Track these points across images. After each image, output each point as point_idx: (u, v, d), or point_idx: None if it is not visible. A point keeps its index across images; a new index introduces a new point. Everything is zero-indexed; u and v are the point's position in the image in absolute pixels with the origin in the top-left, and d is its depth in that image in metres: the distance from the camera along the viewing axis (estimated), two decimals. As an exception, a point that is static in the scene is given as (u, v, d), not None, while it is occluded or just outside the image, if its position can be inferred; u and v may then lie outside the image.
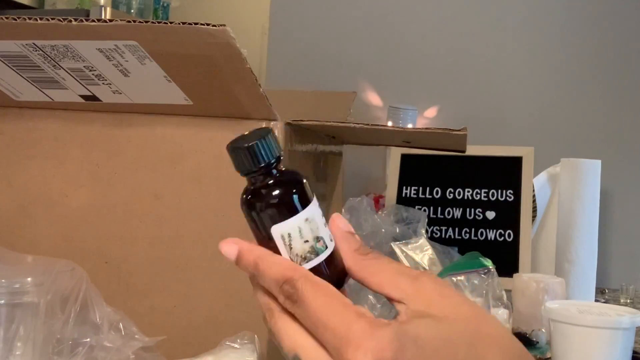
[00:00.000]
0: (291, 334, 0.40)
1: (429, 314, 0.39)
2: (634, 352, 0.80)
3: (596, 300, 1.31)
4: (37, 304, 0.53)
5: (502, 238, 1.31)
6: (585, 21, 1.91)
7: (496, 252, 1.22)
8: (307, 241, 0.42)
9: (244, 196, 0.44)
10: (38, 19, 0.57)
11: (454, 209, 1.35)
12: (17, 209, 0.69)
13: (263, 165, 0.42)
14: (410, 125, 1.89)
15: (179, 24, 0.56)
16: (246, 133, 0.43)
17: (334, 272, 0.43)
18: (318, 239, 0.42)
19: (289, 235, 0.42)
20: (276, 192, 0.42)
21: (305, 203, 0.42)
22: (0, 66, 0.63)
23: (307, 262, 0.42)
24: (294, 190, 0.42)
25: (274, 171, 0.43)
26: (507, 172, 1.34)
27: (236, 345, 0.59)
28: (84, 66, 0.61)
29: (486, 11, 1.99)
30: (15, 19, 0.57)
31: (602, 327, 0.76)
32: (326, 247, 0.42)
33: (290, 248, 0.42)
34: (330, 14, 2.10)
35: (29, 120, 0.69)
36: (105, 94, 0.65)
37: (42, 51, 0.60)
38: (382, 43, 2.08)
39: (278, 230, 0.42)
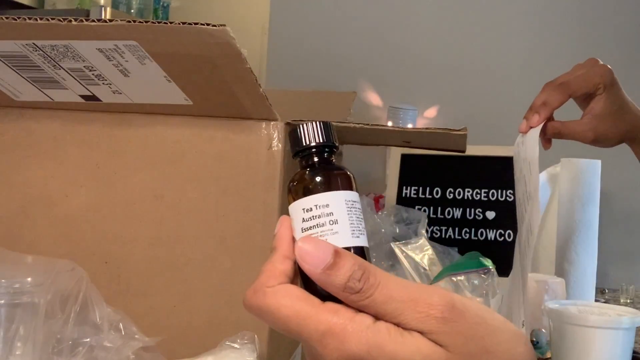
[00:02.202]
0: None
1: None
2: (634, 352, 0.80)
3: (596, 300, 1.31)
4: (37, 304, 0.53)
5: (502, 238, 1.31)
6: (585, 21, 1.91)
7: (496, 252, 1.22)
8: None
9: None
10: (38, 19, 0.57)
11: (454, 209, 1.35)
12: (17, 209, 0.69)
13: (314, 145, 0.44)
14: (410, 125, 1.90)
15: (179, 24, 0.56)
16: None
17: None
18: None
19: (291, 217, 0.43)
20: (306, 173, 0.44)
21: (323, 191, 0.43)
22: (0, 66, 0.63)
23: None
24: (316, 176, 0.43)
25: (322, 155, 0.44)
26: (507, 172, 1.33)
27: (236, 345, 0.59)
28: (84, 66, 0.61)
29: (486, 12, 1.99)
30: (15, 19, 0.57)
31: (602, 327, 0.76)
32: None
33: (294, 230, 0.43)
34: (330, 14, 2.10)
35: (29, 120, 0.69)
36: (105, 94, 0.65)
37: (42, 51, 0.60)
38: (382, 43, 2.08)
39: (289, 210, 0.44)
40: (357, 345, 0.39)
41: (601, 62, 0.94)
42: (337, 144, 0.45)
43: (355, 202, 0.43)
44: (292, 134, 0.45)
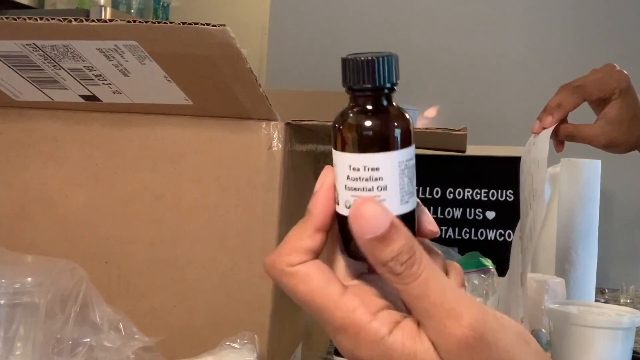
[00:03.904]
0: None
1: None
2: (634, 352, 0.80)
3: (596, 300, 1.31)
4: (37, 304, 0.53)
5: (502, 238, 1.31)
6: (584, 21, 1.91)
7: (496, 252, 1.22)
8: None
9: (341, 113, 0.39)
10: (38, 19, 0.57)
11: (454, 209, 1.35)
12: (17, 209, 0.69)
13: (370, 86, 0.38)
14: (410, 125, 1.89)
15: (179, 24, 0.56)
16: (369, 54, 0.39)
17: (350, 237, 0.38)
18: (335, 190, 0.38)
19: (334, 162, 0.39)
20: (358, 119, 0.38)
21: (375, 150, 0.37)
22: (0, 66, 0.63)
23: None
24: (369, 130, 0.37)
25: (381, 99, 0.38)
26: (507, 172, 1.34)
27: (236, 345, 0.59)
28: (84, 66, 0.61)
29: (486, 11, 1.99)
30: (15, 19, 0.57)
31: (602, 327, 0.76)
32: (338, 204, 0.39)
33: (336, 178, 0.39)
34: (330, 14, 2.10)
35: (29, 120, 0.69)
36: (105, 94, 0.65)
37: (42, 51, 0.60)
38: (382, 43, 2.08)
39: (333, 154, 0.39)
40: (367, 353, 0.36)
41: (618, 68, 0.94)
42: (398, 82, 0.39)
43: (409, 160, 0.38)
44: (348, 64, 0.38)
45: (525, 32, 1.95)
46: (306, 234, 0.39)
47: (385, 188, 0.37)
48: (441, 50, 2.00)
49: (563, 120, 0.92)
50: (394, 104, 0.39)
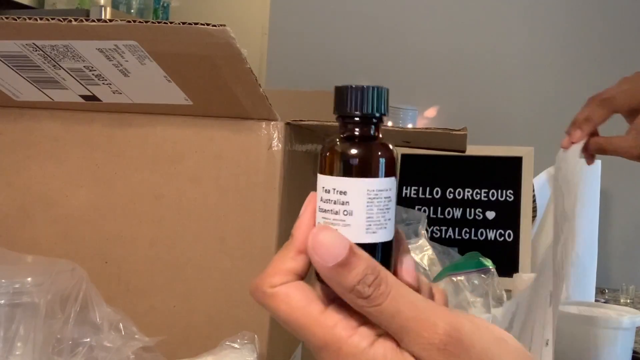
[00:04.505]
0: None
1: None
2: (634, 352, 0.80)
3: (596, 300, 1.31)
4: (37, 304, 0.53)
5: (502, 238, 1.31)
6: (585, 21, 1.91)
7: (496, 252, 1.22)
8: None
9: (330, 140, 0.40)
10: (38, 19, 0.57)
11: (454, 209, 1.35)
12: (17, 209, 0.69)
13: (359, 114, 0.39)
14: (410, 125, 1.90)
15: (179, 24, 0.56)
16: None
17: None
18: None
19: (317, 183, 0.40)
20: (338, 144, 0.39)
21: (345, 174, 0.38)
22: (0, 66, 0.63)
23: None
24: (344, 153, 0.38)
25: (365, 127, 0.39)
26: (507, 172, 1.34)
27: (236, 345, 0.59)
28: (84, 66, 0.61)
29: (486, 11, 1.99)
30: (15, 19, 0.57)
31: (602, 327, 0.77)
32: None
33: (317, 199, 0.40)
34: (330, 14, 2.10)
35: (29, 120, 0.69)
36: (105, 94, 0.65)
37: (42, 51, 0.60)
38: (382, 43, 2.08)
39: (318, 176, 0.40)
40: None
41: None
42: (383, 114, 0.40)
43: (382, 190, 0.38)
44: (342, 92, 0.40)
45: (525, 32, 1.95)
46: (289, 256, 0.39)
47: (351, 213, 0.38)
48: (441, 50, 2.00)
49: (593, 133, 0.89)
50: (380, 135, 0.40)
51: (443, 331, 0.35)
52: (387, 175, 0.39)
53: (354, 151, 0.39)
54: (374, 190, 0.38)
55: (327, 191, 0.38)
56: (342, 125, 0.40)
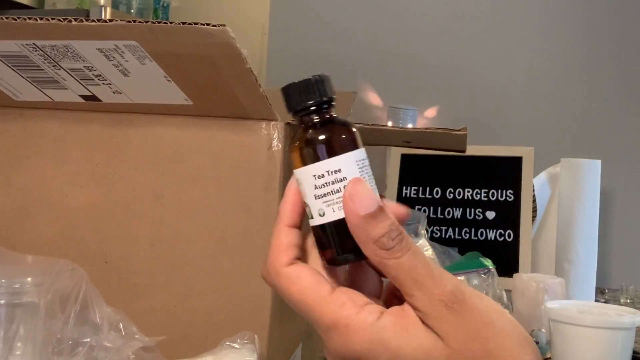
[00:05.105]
0: None
1: (431, 339, 0.39)
2: (634, 352, 0.80)
3: (596, 300, 1.31)
4: (37, 304, 0.53)
5: (502, 238, 1.31)
6: (585, 21, 1.91)
7: (496, 252, 1.22)
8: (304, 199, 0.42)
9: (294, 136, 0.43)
10: (38, 19, 0.57)
11: (454, 209, 1.35)
12: (17, 209, 0.69)
13: (312, 102, 0.42)
14: (410, 125, 1.90)
15: (179, 24, 0.56)
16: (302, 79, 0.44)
17: (344, 239, 0.41)
18: (306, 204, 0.42)
19: (299, 181, 0.42)
20: (309, 134, 0.42)
21: (302, 164, 0.42)
22: (0, 66, 0.63)
23: (318, 217, 0.42)
24: (322, 139, 0.42)
25: (323, 112, 0.43)
26: (507, 172, 1.34)
27: (236, 345, 0.59)
28: (84, 66, 0.61)
29: (486, 12, 1.99)
30: (15, 19, 0.57)
31: (602, 327, 0.76)
32: (312, 217, 0.42)
33: (305, 195, 0.42)
34: (330, 14, 2.10)
35: (29, 120, 0.69)
36: (105, 94, 0.65)
37: (42, 51, 0.60)
38: (382, 43, 2.08)
39: (296, 174, 0.43)
40: (359, 343, 0.39)
41: None
42: (334, 97, 0.43)
43: (364, 159, 0.42)
44: (287, 91, 0.43)
45: (525, 32, 1.95)
46: (283, 233, 0.43)
47: (306, 197, 0.42)
48: (441, 51, 2.00)
49: None
50: (335, 114, 0.43)
51: (450, 290, 0.39)
52: (360, 146, 0.42)
53: (333, 133, 0.42)
54: (361, 160, 0.41)
55: (321, 176, 0.41)
56: (300, 120, 0.43)
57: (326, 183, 0.41)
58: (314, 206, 0.42)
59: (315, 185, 0.41)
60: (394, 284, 0.40)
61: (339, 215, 0.41)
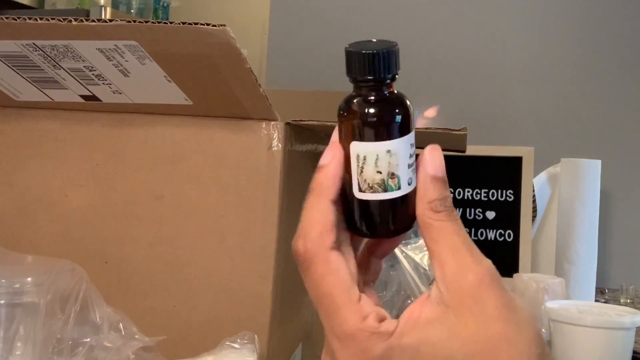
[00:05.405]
0: None
1: (445, 320, 0.39)
2: (634, 352, 0.80)
3: (596, 300, 1.31)
4: (37, 304, 0.53)
5: (502, 238, 1.31)
6: (585, 21, 1.91)
7: (496, 252, 1.22)
8: (379, 172, 0.41)
9: (345, 101, 0.42)
10: (38, 19, 0.57)
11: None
12: (17, 209, 0.69)
13: (376, 77, 0.41)
14: (410, 125, 1.89)
15: (179, 24, 0.56)
16: (372, 41, 0.43)
17: (401, 214, 0.42)
18: (393, 175, 0.41)
19: (365, 158, 0.41)
20: (371, 110, 0.41)
21: (394, 134, 0.41)
22: (0, 66, 0.63)
23: (372, 192, 0.41)
24: (387, 117, 0.41)
25: (384, 88, 0.42)
26: (507, 172, 1.34)
27: (236, 345, 0.59)
28: (84, 66, 0.61)
29: (487, 11, 1.99)
30: (15, 19, 0.57)
31: (602, 327, 0.76)
32: (399, 188, 0.41)
33: (361, 171, 0.41)
34: (330, 14, 2.10)
35: (29, 120, 0.69)
36: (105, 94, 0.65)
37: (42, 51, 0.60)
38: (382, 43, 2.08)
39: (355, 149, 0.41)
40: (379, 354, 0.39)
41: None
42: (396, 74, 0.42)
43: (413, 143, 0.42)
44: (359, 57, 0.41)
45: (526, 32, 1.95)
46: (328, 210, 0.41)
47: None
48: (441, 50, 2.00)
49: None
50: (395, 92, 0.43)
51: (487, 265, 0.40)
52: (392, 136, 0.41)
53: (395, 112, 0.41)
54: (412, 143, 0.42)
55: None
56: (368, 90, 0.42)
57: (411, 154, 0.42)
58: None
59: (410, 154, 0.42)
60: (429, 250, 0.41)
61: (376, 197, 0.41)
